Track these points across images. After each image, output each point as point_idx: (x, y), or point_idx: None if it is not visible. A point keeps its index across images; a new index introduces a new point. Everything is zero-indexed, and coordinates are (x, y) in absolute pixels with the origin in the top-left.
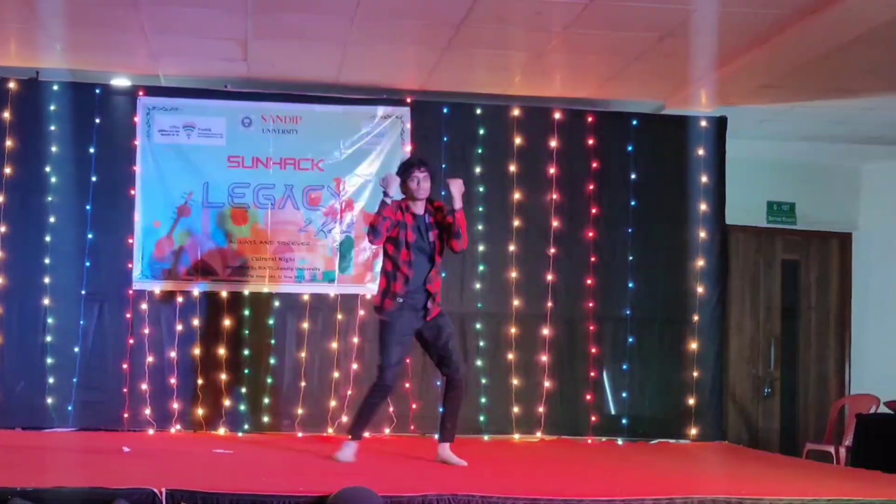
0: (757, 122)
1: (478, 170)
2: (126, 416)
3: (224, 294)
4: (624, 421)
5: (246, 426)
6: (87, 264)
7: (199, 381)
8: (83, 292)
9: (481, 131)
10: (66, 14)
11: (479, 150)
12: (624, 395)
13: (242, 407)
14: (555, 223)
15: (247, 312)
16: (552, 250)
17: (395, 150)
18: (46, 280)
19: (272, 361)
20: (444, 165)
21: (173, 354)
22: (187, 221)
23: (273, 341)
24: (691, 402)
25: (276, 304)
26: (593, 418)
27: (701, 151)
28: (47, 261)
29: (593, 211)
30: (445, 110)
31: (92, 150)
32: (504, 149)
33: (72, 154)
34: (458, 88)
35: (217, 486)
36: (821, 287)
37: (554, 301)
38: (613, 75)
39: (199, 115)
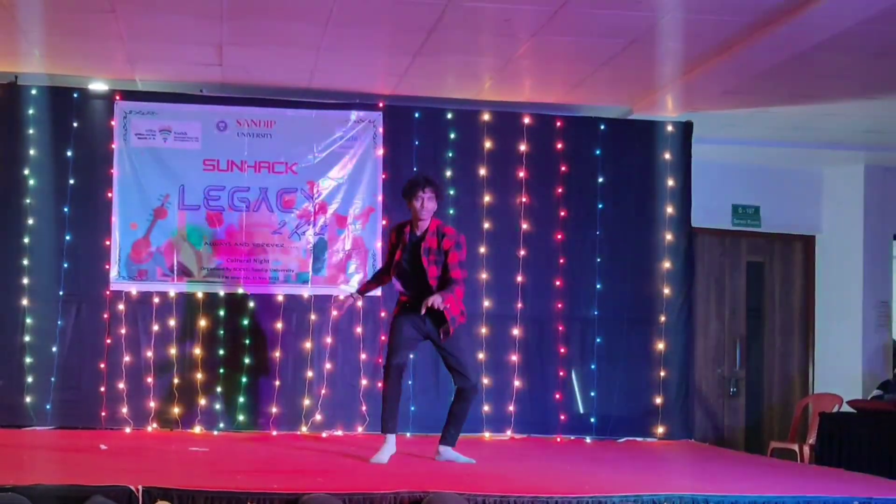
0: (722, 127)
1: (448, 173)
2: (103, 414)
3: (200, 295)
4: (592, 420)
5: (221, 424)
6: (65, 265)
7: (176, 381)
8: (61, 293)
9: (452, 135)
10: (44, 20)
11: (450, 154)
12: (592, 394)
13: (218, 406)
14: (524, 225)
15: (222, 313)
16: (522, 252)
17: (368, 153)
18: (25, 281)
19: (247, 361)
20: (415, 168)
21: (150, 354)
22: (164, 223)
23: (248, 341)
24: (658, 401)
25: (251, 304)
26: (562, 417)
27: (667, 155)
28: (25, 262)
29: (562, 214)
30: (417, 115)
31: (70, 154)
32: (474, 153)
33: (50, 157)
34: (429, 93)
35: (193, 484)
36: (785, 288)
37: (523, 302)
38: (581, 81)
39: (175, 120)
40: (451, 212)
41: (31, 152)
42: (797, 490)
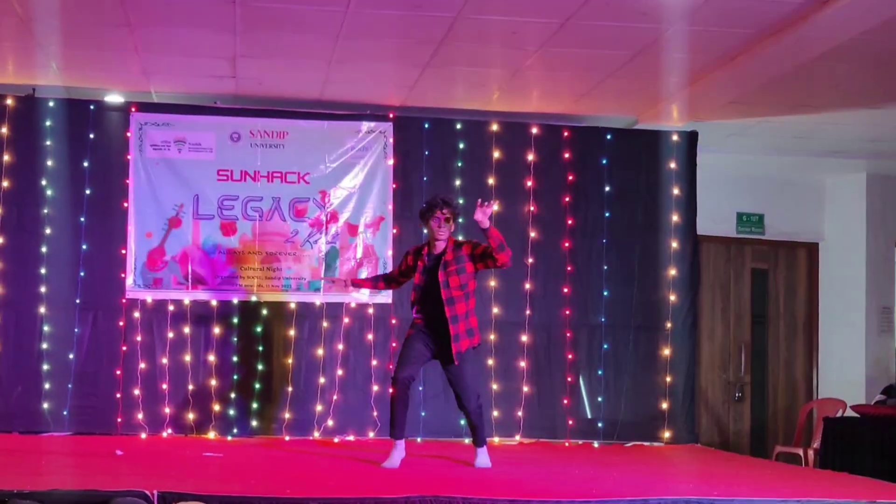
0: (726, 137)
1: (458, 182)
2: (119, 420)
3: (214, 302)
4: (600, 424)
5: (235, 430)
6: (82, 274)
7: (190, 387)
8: (78, 301)
9: (461, 145)
10: (62, 34)
11: (460, 164)
12: (599, 399)
13: (232, 411)
14: (532, 234)
15: (236, 320)
16: (530, 260)
17: (379, 163)
18: (42, 289)
19: (260, 367)
20: (424, 178)
21: (165, 361)
22: (178, 233)
23: (261, 348)
24: (664, 406)
25: (264, 312)
26: (570, 422)
27: (673, 165)
28: (43, 271)
29: (569, 222)
30: (427, 125)
31: (86, 164)
32: (483, 162)
33: (67, 168)
34: (438, 104)
35: (207, 489)
36: (789, 295)
37: (532, 309)
38: (588, 92)
39: (189, 131)
40: (461, 220)
41: (49, 163)
42: (802, 494)
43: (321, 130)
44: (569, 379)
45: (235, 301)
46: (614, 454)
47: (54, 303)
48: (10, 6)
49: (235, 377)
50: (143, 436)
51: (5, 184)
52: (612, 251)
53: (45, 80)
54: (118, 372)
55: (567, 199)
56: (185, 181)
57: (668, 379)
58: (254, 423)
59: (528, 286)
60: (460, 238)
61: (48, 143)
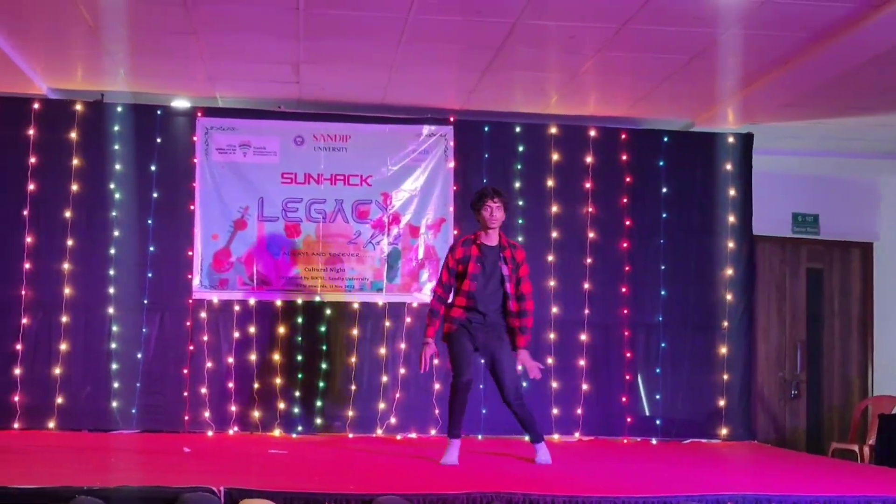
0: (781, 138)
1: (517, 185)
2: (186, 418)
3: (278, 303)
4: (658, 422)
5: (300, 428)
6: (149, 275)
7: (256, 386)
8: (145, 302)
9: (520, 148)
10: (129, 41)
11: (519, 167)
12: (657, 397)
13: (296, 409)
14: (591, 235)
15: (300, 320)
16: (588, 260)
17: (440, 166)
18: (111, 290)
19: (324, 366)
20: (484, 180)
21: (231, 360)
22: (244, 234)
23: (325, 347)
24: (721, 403)
25: (328, 312)
26: (629, 419)
27: (728, 166)
28: (111, 272)
29: (627, 223)
30: (486, 129)
31: (153, 168)
32: (542, 165)
33: (134, 172)
34: (498, 108)
35: (272, 485)
36: (843, 294)
37: (590, 308)
38: (644, 95)
39: (254, 135)
40: (521, 221)
41: (117, 167)
42: (858, 490)
43: (383, 134)
44: (627, 377)
45: (300, 301)
46: (672, 451)
47: (122, 304)
48: (80, 15)
49: (300, 376)
50: (210, 433)
51: (74, 187)
52: (669, 251)
53: (113, 87)
54: (185, 371)
55: (625, 200)
56: (250, 184)
57: (725, 377)
58: (318, 420)
59: (586, 286)
60: (513, 241)
61: (116, 147)
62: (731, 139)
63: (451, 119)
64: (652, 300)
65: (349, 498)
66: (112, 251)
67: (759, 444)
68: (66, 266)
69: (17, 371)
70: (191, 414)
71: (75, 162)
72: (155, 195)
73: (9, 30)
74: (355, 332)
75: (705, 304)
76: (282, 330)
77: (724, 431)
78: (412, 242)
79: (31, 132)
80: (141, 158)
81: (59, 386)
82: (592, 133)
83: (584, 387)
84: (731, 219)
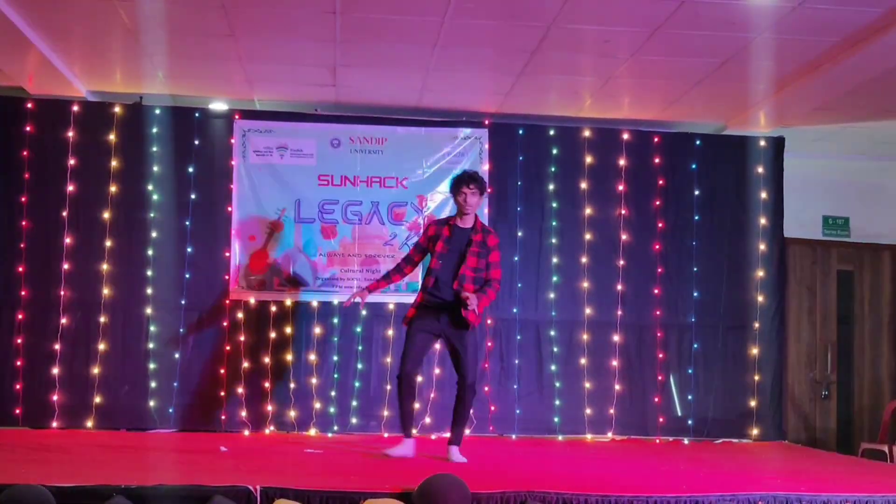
0: (812, 142)
1: (551, 187)
2: (223, 417)
3: (315, 304)
4: (689, 422)
5: (335, 427)
6: (187, 276)
7: (292, 385)
8: (183, 302)
9: (554, 151)
10: (167, 44)
11: (553, 169)
12: (689, 397)
13: (332, 409)
14: (624, 236)
15: (336, 321)
16: (621, 262)
17: (475, 168)
18: (149, 291)
19: (360, 367)
20: (519, 183)
21: (267, 360)
22: (280, 236)
23: (360, 347)
24: (753, 404)
25: (364, 313)
26: (661, 419)
27: (760, 169)
28: (149, 273)
29: (660, 225)
30: (521, 131)
31: (191, 170)
32: (576, 167)
33: (172, 173)
34: (532, 111)
35: (308, 484)
36: (874, 296)
37: (623, 309)
38: (677, 99)
39: (291, 137)
40: (554, 224)
41: (155, 169)
42: (887, 490)
43: (419, 136)
44: (659, 377)
45: (336, 302)
46: (704, 451)
47: (160, 304)
48: (119, 18)
49: (336, 376)
50: (247, 433)
51: (113, 189)
52: (701, 253)
53: (151, 89)
54: (222, 371)
55: (657, 202)
56: (287, 186)
57: (757, 378)
58: (353, 420)
59: (619, 287)
60: (488, 227)
61: (155, 149)
62: (762, 142)
63: (486, 122)
64: (684, 301)
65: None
66: (150, 252)
67: (789, 445)
68: (104, 267)
69: (56, 371)
70: (227, 413)
71: (114, 164)
72: (193, 197)
73: (49, 33)
74: (391, 332)
75: (737, 306)
76: (318, 330)
77: (755, 432)
78: None
79: (70, 134)
80: (179, 160)
81: (98, 385)
82: (626, 136)
83: (617, 387)
84: (763, 221)
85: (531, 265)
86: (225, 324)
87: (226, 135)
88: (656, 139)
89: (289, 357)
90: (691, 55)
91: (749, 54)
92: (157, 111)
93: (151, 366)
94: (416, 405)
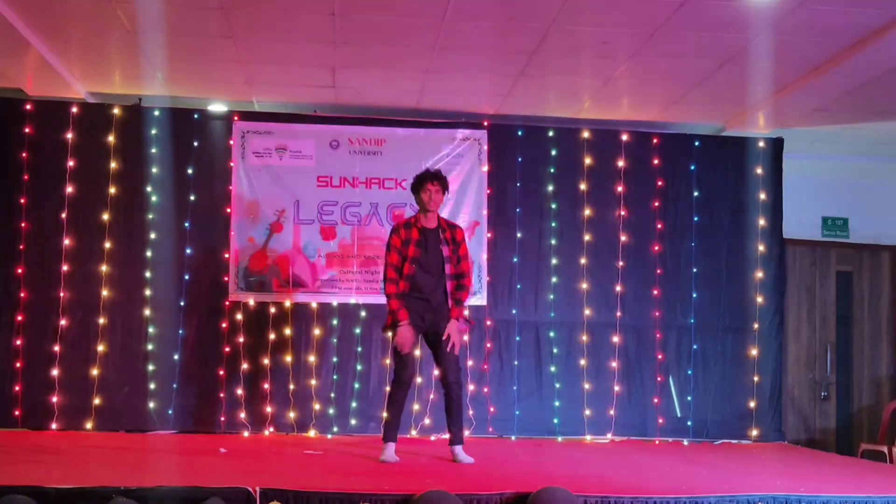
0: (812, 143)
1: (550, 188)
2: (222, 419)
3: (314, 305)
4: (689, 423)
5: (335, 429)
6: (186, 277)
7: (291, 387)
8: (182, 303)
9: (553, 152)
10: (167, 45)
11: (552, 170)
12: (689, 398)
13: (331, 411)
14: (623, 238)
15: (335, 322)
16: (620, 263)
17: (474, 169)
18: (147, 292)
19: (359, 368)
20: (518, 184)
21: (266, 361)
22: (280, 237)
23: (360, 349)
24: (752, 404)
25: (363, 314)
26: (660, 420)
27: (759, 170)
28: (148, 274)
29: (659, 226)
30: (520, 133)
31: (190, 171)
32: (575, 168)
33: (171, 175)
34: (531, 112)
35: (308, 485)
36: (873, 296)
37: (623, 310)
38: (676, 100)
39: (290, 138)
40: (553, 224)
41: (154, 170)
42: (887, 490)
43: (418, 138)
44: (659, 378)
45: (335, 303)
46: (703, 452)
47: (159, 305)
48: (118, 19)
49: (335, 377)
50: (246, 434)
51: (112, 190)
52: (700, 254)
53: (151, 90)
54: (221, 372)
55: (656, 204)
56: (286, 187)
57: (756, 378)
58: (353, 421)
59: (618, 288)
60: (451, 221)
61: (153, 150)
62: (761, 143)
63: (485, 123)
64: (683, 302)
65: (384, 498)
66: (149, 253)
67: (788, 445)
68: (103, 268)
69: (55, 372)
70: (227, 415)
71: (113, 165)
72: (192, 198)
73: (48, 34)
74: (390, 333)
75: (736, 307)
76: (317, 332)
77: (754, 432)
78: None
79: (69, 136)
80: (178, 162)
81: (97, 387)
82: (625, 137)
83: (617, 388)
84: (762, 222)
85: (530, 266)
86: (224, 325)
87: (225, 136)
88: (655, 140)
89: (288, 358)
90: (690, 56)
91: (748, 56)
92: (156, 112)
93: (151, 367)
94: (416, 406)
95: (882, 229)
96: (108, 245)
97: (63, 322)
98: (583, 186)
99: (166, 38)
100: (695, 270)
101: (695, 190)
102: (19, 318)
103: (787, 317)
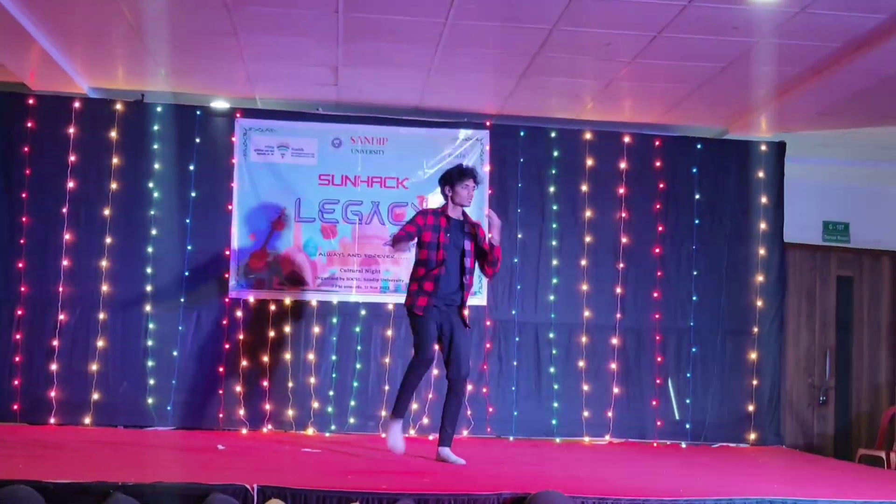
0: (814, 147)
1: (552, 189)
2: (221, 416)
3: (314, 303)
4: (687, 426)
5: (333, 427)
6: (186, 274)
7: (290, 385)
8: (182, 300)
9: (555, 153)
10: (170, 42)
11: (553, 171)
12: (687, 401)
13: (330, 409)
14: (624, 240)
15: (335, 320)
16: (621, 265)
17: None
18: (148, 288)
19: (358, 366)
20: (519, 185)
21: (266, 359)
22: (281, 235)
23: (359, 347)
24: (751, 408)
25: (363, 312)
26: (659, 423)
27: (761, 174)
28: (149, 270)
29: (660, 228)
30: (522, 133)
31: (192, 168)
32: (577, 170)
33: (173, 171)
34: (533, 113)
35: (305, 483)
36: (873, 302)
37: (622, 312)
38: (679, 102)
39: (292, 136)
40: (555, 226)
41: (156, 166)
42: (884, 496)
43: (420, 137)
44: (658, 381)
45: (335, 301)
46: (701, 455)
47: (159, 302)
48: (122, 15)
49: (334, 375)
50: (244, 431)
51: (114, 186)
52: (701, 257)
53: (153, 86)
54: (220, 369)
55: (658, 206)
56: (288, 185)
57: (755, 382)
58: (351, 420)
59: (618, 290)
60: (470, 215)
61: (156, 146)
62: (763, 147)
63: (488, 123)
64: (683, 305)
65: (381, 497)
66: (150, 249)
67: (787, 450)
68: (103, 263)
69: (54, 367)
70: (225, 412)
71: (115, 161)
72: (193, 195)
73: (51, 29)
74: (389, 332)
75: (736, 310)
76: (317, 330)
77: (752, 436)
78: None
79: (71, 131)
80: (180, 158)
81: (96, 382)
82: (627, 139)
83: (616, 390)
84: (763, 226)
85: (531, 267)
86: (224, 322)
87: (227, 133)
88: (657, 142)
89: (287, 356)
90: (693, 59)
91: (751, 59)
92: (159, 108)
93: (150, 363)
94: (415, 405)
95: (883, 234)
96: (108, 240)
97: (63, 317)
98: (584, 188)
99: (170, 34)
100: (695, 273)
101: (696, 193)
102: (19, 312)
103: (787, 321)
